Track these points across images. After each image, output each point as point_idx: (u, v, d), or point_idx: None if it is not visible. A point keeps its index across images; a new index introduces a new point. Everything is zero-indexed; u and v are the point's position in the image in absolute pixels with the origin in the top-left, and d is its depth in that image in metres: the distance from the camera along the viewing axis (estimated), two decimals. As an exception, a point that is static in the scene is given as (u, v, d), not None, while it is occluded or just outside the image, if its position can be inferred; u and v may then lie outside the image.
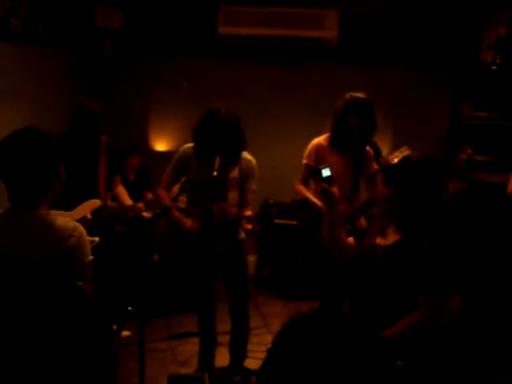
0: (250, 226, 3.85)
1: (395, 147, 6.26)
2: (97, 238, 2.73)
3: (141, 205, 4.44)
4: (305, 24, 6.11)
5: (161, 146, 7.02)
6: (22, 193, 2.29)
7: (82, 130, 4.14)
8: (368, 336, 1.15)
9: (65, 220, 2.31)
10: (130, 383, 3.78)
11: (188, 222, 3.96)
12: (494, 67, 6.02)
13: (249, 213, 3.94)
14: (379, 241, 2.76)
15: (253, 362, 4.23)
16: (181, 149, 4.16)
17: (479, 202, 1.97)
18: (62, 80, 5.89)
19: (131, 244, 5.24)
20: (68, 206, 3.83)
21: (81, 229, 2.30)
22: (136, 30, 6.68)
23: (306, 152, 4.34)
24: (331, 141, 4.20)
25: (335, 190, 2.94)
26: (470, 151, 5.50)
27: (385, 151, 6.27)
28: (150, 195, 5.98)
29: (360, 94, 4.12)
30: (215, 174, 3.81)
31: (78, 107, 4.17)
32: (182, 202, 4.34)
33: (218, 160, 3.85)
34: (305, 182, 4.30)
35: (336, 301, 4.16)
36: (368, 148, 4.21)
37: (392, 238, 2.70)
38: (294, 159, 6.45)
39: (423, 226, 2.57)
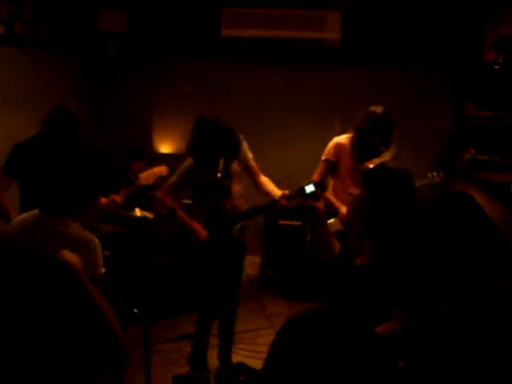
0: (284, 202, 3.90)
1: (398, 147, 6.30)
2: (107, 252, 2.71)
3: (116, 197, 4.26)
4: (307, 25, 6.12)
5: (165, 148, 7.04)
6: (52, 197, 2.31)
7: (57, 130, 4.01)
8: (367, 335, 1.17)
9: (82, 232, 2.31)
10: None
11: (200, 230, 4.03)
12: (496, 66, 6.02)
13: (277, 192, 4.10)
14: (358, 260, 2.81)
15: (259, 363, 4.24)
16: (183, 165, 4.21)
17: (457, 208, 2.01)
18: (66, 83, 5.91)
19: (135, 245, 5.25)
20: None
21: (96, 242, 2.31)
22: (139, 32, 6.70)
23: (327, 149, 4.68)
24: (353, 146, 4.52)
25: (320, 205, 3.01)
26: (473, 151, 5.52)
27: (389, 155, 6.31)
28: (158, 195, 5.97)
29: (378, 109, 4.44)
30: (219, 175, 3.86)
31: (56, 108, 4.08)
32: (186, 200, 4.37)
33: (222, 161, 3.91)
34: (323, 176, 4.60)
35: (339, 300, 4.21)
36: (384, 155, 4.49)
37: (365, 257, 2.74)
38: (298, 160, 6.50)
39: (391, 232, 2.61)
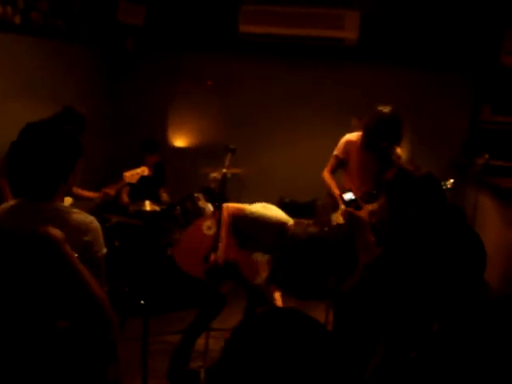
0: None
1: (413, 149, 6.27)
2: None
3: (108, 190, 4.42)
4: (325, 24, 6.10)
5: (180, 142, 7.07)
6: (38, 183, 2.30)
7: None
8: (319, 334, 1.17)
9: (81, 214, 2.32)
10: (133, 374, 3.80)
11: None
12: (514, 71, 5.95)
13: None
14: None
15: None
16: None
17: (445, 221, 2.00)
18: (82, 74, 5.95)
19: (144, 237, 5.29)
20: None
21: (96, 222, 2.32)
22: (158, 26, 6.73)
23: (338, 145, 4.82)
24: (362, 144, 4.59)
25: (362, 213, 2.93)
26: (487, 156, 5.47)
27: (403, 153, 6.27)
28: (164, 193, 6.03)
29: (387, 109, 4.47)
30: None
31: (66, 109, 4.30)
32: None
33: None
34: (332, 172, 4.82)
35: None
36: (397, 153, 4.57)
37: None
38: (311, 157, 6.48)
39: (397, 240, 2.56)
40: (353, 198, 3.05)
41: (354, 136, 4.75)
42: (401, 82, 6.40)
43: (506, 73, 5.97)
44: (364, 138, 4.58)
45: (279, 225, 4.16)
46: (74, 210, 2.35)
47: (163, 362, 4.30)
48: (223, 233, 4.34)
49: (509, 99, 6.03)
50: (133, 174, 4.49)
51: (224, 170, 3.93)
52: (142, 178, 5.19)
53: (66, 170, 2.34)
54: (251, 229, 4.29)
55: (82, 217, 2.31)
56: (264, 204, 4.39)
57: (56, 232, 2.08)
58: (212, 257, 4.33)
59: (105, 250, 2.33)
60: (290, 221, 4.20)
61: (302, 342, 1.13)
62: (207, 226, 4.91)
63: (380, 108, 4.49)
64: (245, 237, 4.43)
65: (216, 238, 4.34)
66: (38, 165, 2.29)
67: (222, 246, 4.33)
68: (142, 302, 3.85)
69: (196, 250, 4.56)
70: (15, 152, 2.35)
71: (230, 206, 4.34)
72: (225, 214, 4.32)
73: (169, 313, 5.15)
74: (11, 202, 2.40)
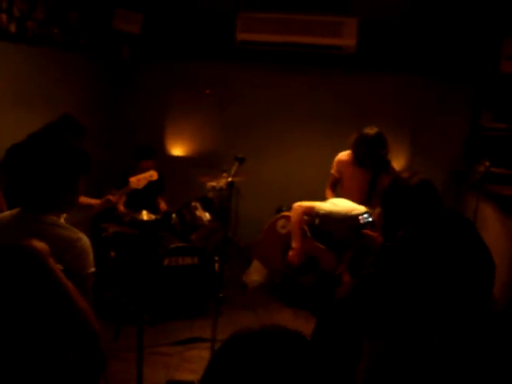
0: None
1: (413, 157, 6.23)
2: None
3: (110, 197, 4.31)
4: (323, 31, 6.08)
5: (177, 150, 7.04)
6: (35, 194, 2.26)
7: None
8: (309, 356, 1.13)
9: (69, 230, 2.25)
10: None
11: None
12: (514, 78, 5.92)
13: None
14: None
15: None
16: None
17: (453, 230, 1.95)
18: (78, 83, 5.92)
19: (140, 247, 5.24)
20: None
21: (84, 240, 2.24)
22: (155, 34, 6.71)
23: (333, 164, 5.12)
24: (353, 161, 4.91)
25: (376, 234, 2.94)
26: (487, 163, 5.42)
27: (402, 161, 6.25)
28: (162, 202, 5.96)
29: (371, 131, 4.69)
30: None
31: (63, 116, 4.27)
32: None
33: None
34: (332, 188, 5.15)
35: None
36: (391, 169, 4.81)
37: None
38: (308, 166, 6.46)
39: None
40: (370, 219, 3.11)
41: (344, 155, 5.02)
42: (399, 89, 6.38)
43: (506, 79, 5.94)
44: (354, 158, 4.87)
45: (350, 218, 4.23)
46: (65, 225, 2.28)
47: (159, 374, 4.26)
48: (296, 231, 4.72)
49: (509, 106, 5.99)
50: (139, 179, 4.37)
51: (230, 179, 4.05)
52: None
53: (66, 184, 2.30)
54: (323, 225, 4.54)
55: (70, 233, 2.24)
56: (333, 201, 4.63)
57: (40, 245, 2.02)
58: (289, 254, 4.74)
59: (92, 269, 2.23)
60: (362, 211, 4.22)
61: (292, 367, 1.09)
62: (281, 225, 5.15)
63: (366, 131, 4.70)
64: (320, 232, 4.71)
65: (289, 236, 4.76)
66: (35, 175, 2.25)
67: (295, 244, 4.73)
68: (135, 310, 3.83)
69: (273, 247, 5.06)
70: (16, 158, 2.30)
71: (301, 204, 4.72)
72: (296, 213, 4.73)
73: (165, 323, 5.11)
74: (10, 212, 2.35)
